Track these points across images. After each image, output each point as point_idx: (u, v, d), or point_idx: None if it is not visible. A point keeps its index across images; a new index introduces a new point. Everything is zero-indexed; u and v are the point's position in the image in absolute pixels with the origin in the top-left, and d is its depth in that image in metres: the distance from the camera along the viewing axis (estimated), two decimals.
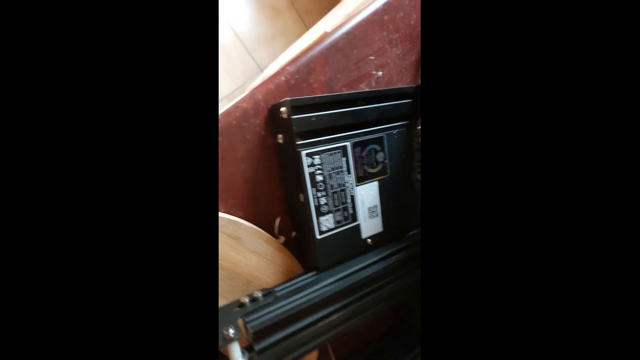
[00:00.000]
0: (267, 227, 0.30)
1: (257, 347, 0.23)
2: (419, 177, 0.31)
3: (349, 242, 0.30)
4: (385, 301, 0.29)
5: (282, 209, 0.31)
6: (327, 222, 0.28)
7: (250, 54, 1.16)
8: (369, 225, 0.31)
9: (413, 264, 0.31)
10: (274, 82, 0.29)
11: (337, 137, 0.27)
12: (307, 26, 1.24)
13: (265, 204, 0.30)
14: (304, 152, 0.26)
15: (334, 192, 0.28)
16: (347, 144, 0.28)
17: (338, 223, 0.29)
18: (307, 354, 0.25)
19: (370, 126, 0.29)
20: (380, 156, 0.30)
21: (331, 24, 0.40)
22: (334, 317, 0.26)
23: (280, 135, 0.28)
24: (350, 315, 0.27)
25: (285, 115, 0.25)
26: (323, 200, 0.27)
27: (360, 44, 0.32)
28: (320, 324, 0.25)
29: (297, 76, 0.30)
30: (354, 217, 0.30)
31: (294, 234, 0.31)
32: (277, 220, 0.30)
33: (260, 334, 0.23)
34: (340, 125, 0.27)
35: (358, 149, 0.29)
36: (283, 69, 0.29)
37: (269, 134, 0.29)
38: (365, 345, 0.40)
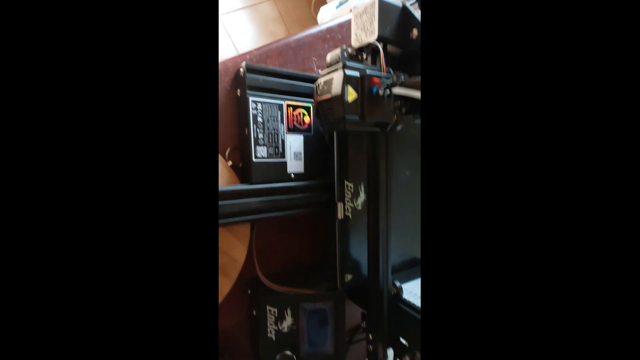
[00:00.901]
0: (222, 154, 0.42)
1: None
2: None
3: (277, 172, 0.42)
4: (297, 209, 0.41)
5: (235, 143, 0.44)
6: (262, 151, 0.41)
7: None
8: (294, 164, 0.44)
9: (321, 193, 0.43)
10: (241, 58, 0.43)
11: (276, 97, 0.41)
12: None
13: (224, 138, 0.43)
14: (251, 98, 0.39)
15: (269, 133, 0.41)
16: (283, 103, 0.42)
17: (270, 155, 0.42)
18: (238, 224, 0.37)
19: (301, 97, 0.43)
20: (306, 119, 0.44)
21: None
22: (259, 203, 0.38)
23: (239, 90, 0.41)
24: (270, 207, 0.38)
25: (242, 74, 0.39)
26: (260, 135, 0.41)
27: (306, 48, 0.48)
28: (248, 203, 0.37)
29: (258, 58, 0.44)
30: (282, 155, 0.43)
31: (240, 164, 0.44)
32: (228, 149, 0.43)
33: None
34: (280, 90, 0.42)
35: (290, 109, 0.43)
36: (250, 51, 0.44)
37: (233, 88, 0.43)
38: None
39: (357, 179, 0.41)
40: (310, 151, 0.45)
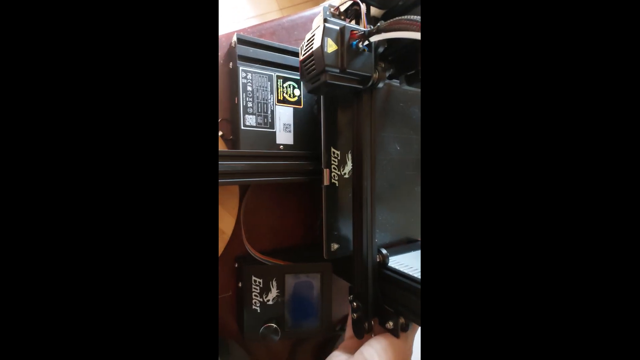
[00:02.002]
0: None
1: None
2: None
3: (266, 141, 0.43)
4: (284, 175, 0.41)
5: (225, 115, 0.45)
6: (251, 120, 0.42)
7: None
8: (283, 136, 0.45)
9: (309, 162, 0.43)
10: (235, 34, 0.45)
11: (267, 68, 0.43)
12: None
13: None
14: (241, 67, 0.41)
15: (258, 102, 0.42)
16: (272, 74, 0.43)
17: (259, 124, 0.43)
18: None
19: (292, 70, 0.45)
20: (296, 92, 0.45)
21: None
22: (244, 165, 0.38)
23: (231, 63, 0.43)
24: (256, 170, 0.39)
25: (233, 45, 0.41)
26: (250, 104, 0.42)
27: (300, 30, 0.50)
28: (233, 165, 0.37)
29: (252, 35, 0.46)
30: (271, 125, 0.44)
31: (231, 137, 0.45)
32: (219, 119, 0.44)
33: None
34: (270, 62, 0.43)
35: (280, 80, 0.44)
36: (244, 29, 0.46)
37: (225, 63, 0.44)
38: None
39: (344, 146, 0.42)
40: (300, 124, 0.46)
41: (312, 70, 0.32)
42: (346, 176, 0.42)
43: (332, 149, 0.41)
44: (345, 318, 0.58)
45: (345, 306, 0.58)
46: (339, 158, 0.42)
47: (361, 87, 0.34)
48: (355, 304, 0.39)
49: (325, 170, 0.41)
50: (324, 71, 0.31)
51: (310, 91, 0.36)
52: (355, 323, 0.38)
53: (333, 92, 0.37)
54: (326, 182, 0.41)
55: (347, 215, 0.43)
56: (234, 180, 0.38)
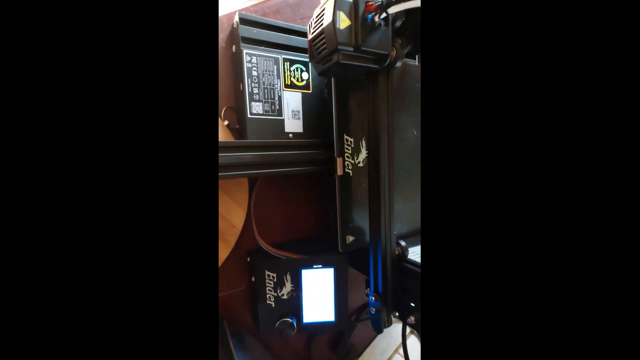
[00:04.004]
0: (219, 112, 0.41)
1: None
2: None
3: (274, 130, 0.41)
4: (294, 166, 0.39)
5: (230, 103, 0.43)
6: (257, 107, 0.39)
7: None
8: (292, 123, 0.42)
9: (321, 151, 0.41)
10: (237, 13, 0.42)
11: (272, 51, 0.40)
12: None
13: (220, 99, 0.42)
14: (245, 51, 0.38)
15: (264, 87, 0.40)
16: (279, 57, 0.40)
17: (266, 112, 0.40)
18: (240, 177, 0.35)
19: (299, 52, 0.42)
20: (304, 75, 0.42)
21: None
22: (252, 157, 0.36)
23: (234, 46, 0.40)
24: (265, 162, 0.37)
25: (235, 26, 0.38)
26: (255, 90, 0.39)
27: (306, 7, 0.46)
28: (241, 157, 0.35)
29: (254, 14, 0.43)
30: (279, 112, 0.41)
31: (237, 126, 0.42)
32: (224, 108, 0.42)
33: None
34: (276, 43, 0.40)
35: (287, 64, 0.41)
36: (247, 8, 0.43)
37: (228, 46, 0.41)
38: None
39: (357, 133, 0.39)
40: (310, 110, 0.43)
41: (322, 50, 0.29)
42: (360, 165, 0.40)
43: (345, 136, 0.38)
44: (360, 308, 0.57)
45: (360, 296, 0.57)
46: (352, 146, 0.39)
47: (377, 67, 0.31)
48: (373, 297, 0.37)
49: (338, 159, 0.38)
50: (336, 50, 0.28)
51: (320, 73, 0.33)
52: (373, 317, 0.37)
53: (346, 73, 0.34)
54: (339, 171, 0.38)
55: (362, 206, 0.40)
56: (241, 172, 0.36)
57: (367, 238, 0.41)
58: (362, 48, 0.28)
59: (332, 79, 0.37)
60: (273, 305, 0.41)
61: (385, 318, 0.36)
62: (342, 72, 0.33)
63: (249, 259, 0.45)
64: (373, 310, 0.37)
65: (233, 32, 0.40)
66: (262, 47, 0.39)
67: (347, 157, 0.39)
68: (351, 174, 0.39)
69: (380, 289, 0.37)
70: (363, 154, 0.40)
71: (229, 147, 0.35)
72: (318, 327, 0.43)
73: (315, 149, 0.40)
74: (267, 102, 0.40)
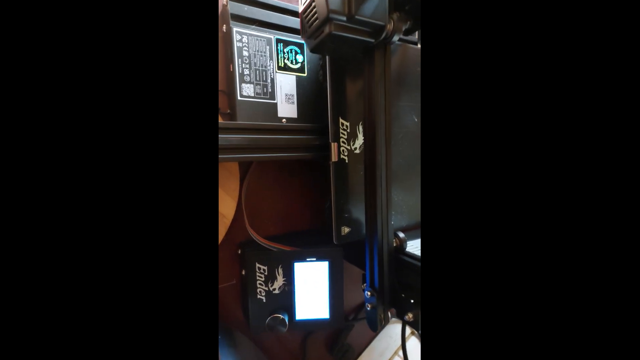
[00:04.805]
0: None
1: None
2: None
3: (266, 114, 0.38)
4: (286, 152, 0.37)
5: (221, 86, 0.41)
6: (248, 89, 0.37)
7: None
8: (285, 108, 0.40)
9: (315, 137, 0.39)
10: None
11: (264, 30, 0.38)
12: None
13: None
14: (235, 29, 0.36)
15: (256, 69, 0.38)
16: (272, 37, 0.38)
17: (258, 95, 0.38)
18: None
19: (293, 33, 0.40)
20: (299, 57, 0.40)
21: None
22: (242, 139, 0.34)
23: (224, 25, 0.38)
24: (255, 145, 0.35)
25: (226, 2, 0.36)
26: (246, 72, 0.37)
27: None
28: (229, 139, 0.33)
29: None
30: (272, 96, 0.39)
31: (228, 111, 0.40)
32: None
33: None
34: (269, 22, 0.38)
35: (281, 45, 0.39)
36: None
37: (219, 25, 0.39)
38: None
39: (354, 117, 0.37)
40: (304, 94, 0.41)
41: (314, 21, 0.27)
42: (357, 151, 0.37)
43: (341, 120, 0.36)
44: (358, 307, 0.55)
45: (358, 293, 0.54)
46: (348, 130, 0.37)
47: (373, 40, 0.29)
48: (369, 293, 0.35)
49: (333, 144, 0.36)
50: (327, 20, 0.26)
51: (313, 49, 0.31)
52: (369, 314, 0.34)
53: (340, 49, 0.31)
54: (334, 157, 0.36)
55: (358, 195, 0.38)
56: (231, 156, 0.34)
57: (364, 230, 0.39)
58: (356, 17, 0.26)
59: (327, 58, 0.34)
60: (264, 300, 0.39)
61: (382, 315, 0.33)
62: (336, 48, 0.31)
63: (239, 252, 0.43)
64: (369, 307, 0.35)
65: (224, 11, 0.38)
66: (253, 27, 0.37)
67: (343, 142, 0.36)
68: (347, 161, 0.37)
69: (376, 284, 0.34)
70: (360, 139, 0.37)
71: (220, 128, 0.32)
72: (311, 325, 0.41)
73: (309, 134, 0.38)
74: (259, 84, 0.38)
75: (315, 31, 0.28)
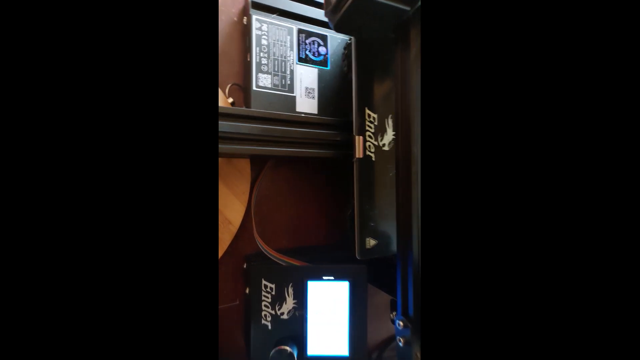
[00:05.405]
0: (222, 89, 0.36)
1: None
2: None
3: (283, 108, 0.35)
4: (304, 147, 0.32)
5: (238, 80, 0.38)
6: (265, 80, 0.34)
7: None
8: (305, 102, 0.36)
9: (337, 132, 0.34)
10: None
11: (286, 20, 0.35)
12: None
13: (227, 75, 0.37)
14: (255, 16, 0.33)
15: (275, 59, 0.34)
16: (293, 27, 0.35)
17: (275, 86, 0.34)
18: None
19: (316, 25, 0.37)
20: (322, 50, 0.37)
21: None
22: (256, 129, 0.30)
23: (245, 17, 0.36)
24: (271, 137, 0.30)
25: None
26: (264, 61, 0.34)
27: None
28: (242, 127, 0.29)
29: None
30: (290, 89, 0.35)
31: (244, 107, 0.37)
32: (230, 85, 0.37)
33: None
34: (290, 12, 0.35)
35: (302, 35, 0.36)
36: None
37: (240, 19, 0.37)
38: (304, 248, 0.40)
39: (383, 108, 0.32)
40: (327, 90, 0.37)
41: None
42: (386, 148, 0.32)
43: (367, 111, 0.31)
44: (384, 343, 0.45)
45: (384, 325, 0.45)
46: (375, 123, 0.32)
47: (408, 9, 0.25)
48: (401, 323, 0.27)
49: (357, 138, 0.31)
50: None
51: (337, 25, 0.27)
52: (401, 352, 0.26)
53: (368, 25, 0.27)
54: (359, 153, 0.31)
55: (388, 202, 0.32)
56: (240, 147, 0.29)
57: (394, 244, 0.32)
58: None
59: (353, 42, 0.31)
60: (269, 327, 0.32)
61: (419, 354, 0.25)
62: (363, 24, 0.27)
63: (245, 266, 0.37)
64: (401, 342, 0.27)
65: (245, 3, 0.36)
66: (274, 15, 0.35)
67: (369, 136, 0.31)
68: (373, 159, 0.31)
69: (411, 312, 0.27)
70: (389, 134, 0.32)
71: (227, 115, 0.29)
72: None
73: (330, 129, 0.34)
74: (277, 75, 0.34)
75: (338, 3, 0.25)
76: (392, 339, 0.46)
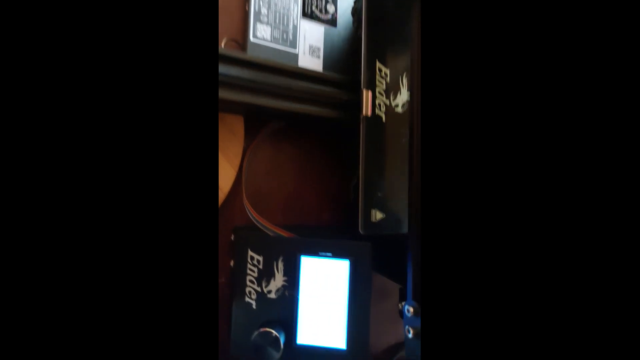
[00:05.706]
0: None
1: None
2: None
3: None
4: (306, 103, 0.28)
5: (237, 35, 0.34)
6: (264, 31, 0.31)
7: None
8: (308, 61, 0.32)
9: (342, 92, 0.30)
10: None
11: None
12: None
13: (225, 29, 0.34)
14: None
15: (276, 11, 0.31)
16: None
17: (275, 39, 0.31)
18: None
19: None
20: (330, 7, 0.34)
21: None
22: (253, 74, 0.26)
23: None
24: (269, 87, 0.27)
25: None
26: (264, 11, 0.31)
27: None
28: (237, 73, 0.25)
29: None
30: (293, 44, 0.32)
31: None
32: (225, 39, 0.33)
33: None
34: None
35: None
36: None
37: None
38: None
39: (396, 64, 0.28)
40: (334, 50, 0.33)
41: None
42: (399, 109, 0.28)
43: (379, 65, 0.27)
44: (395, 347, 0.40)
45: (394, 327, 0.40)
46: (387, 80, 0.28)
47: None
48: (411, 309, 0.22)
49: (365, 92, 0.27)
50: None
51: None
52: (410, 346, 0.22)
53: None
54: (366, 111, 0.27)
55: (399, 170, 0.28)
56: (234, 94, 0.26)
57: (405, 223, 0.28)
58: None
59: None
60: (254, 306, 0.28)
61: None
62: None
63: (232, 238, 0.33)
64: (410, 332, 0.22)
65: None
66: None
67: (380, 93, 0.27)
68: (384, 119, 0.27)
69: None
70: (404, 95, 0.28)
71: (222, 57, 0.25)
72: (318, 356, 0.28)
73: (336, 87, 0.30)
74: (278, 28, 0.31)
75: None
76: (401, 345, 0.41)
